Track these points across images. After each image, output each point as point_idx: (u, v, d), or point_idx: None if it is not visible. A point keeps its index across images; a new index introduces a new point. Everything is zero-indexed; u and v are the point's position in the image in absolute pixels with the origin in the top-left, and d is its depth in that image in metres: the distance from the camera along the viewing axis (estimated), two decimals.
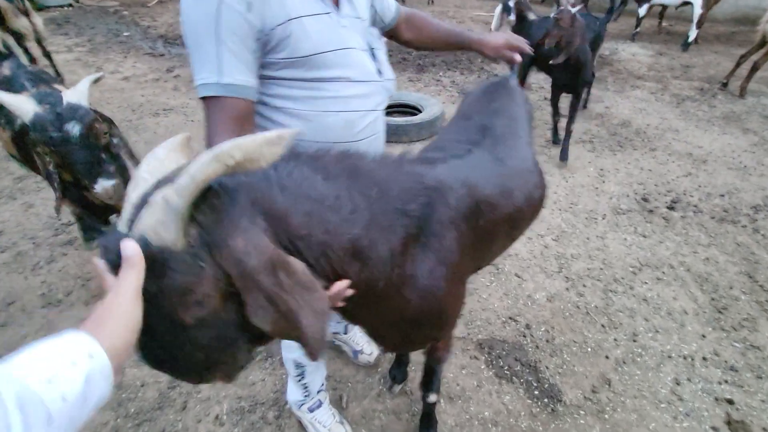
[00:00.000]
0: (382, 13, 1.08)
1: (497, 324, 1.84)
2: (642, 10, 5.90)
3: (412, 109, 3.75)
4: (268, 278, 0.50)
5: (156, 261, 0.46)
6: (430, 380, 1.24)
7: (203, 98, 0.78)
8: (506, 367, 1.67)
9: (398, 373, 1.58)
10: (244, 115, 0.79)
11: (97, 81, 1.36)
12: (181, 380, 0.66)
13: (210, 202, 0.51)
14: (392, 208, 0.73)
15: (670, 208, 2.60)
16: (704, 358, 1.70)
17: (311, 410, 1.39)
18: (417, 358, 1.66)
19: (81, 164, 1.16)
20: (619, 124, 3.70)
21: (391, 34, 1.15)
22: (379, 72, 0.98)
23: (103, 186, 1.18)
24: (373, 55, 0.98)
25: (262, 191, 0.55)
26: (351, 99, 0.92)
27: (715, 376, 1.63)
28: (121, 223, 0.51)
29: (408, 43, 1.19)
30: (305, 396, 1.36)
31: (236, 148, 0.47)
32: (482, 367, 1.67)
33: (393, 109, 3.81)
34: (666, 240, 2.34)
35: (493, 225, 0.98)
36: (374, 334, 0.96)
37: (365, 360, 1.64)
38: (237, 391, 1.58)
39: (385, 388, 1.59)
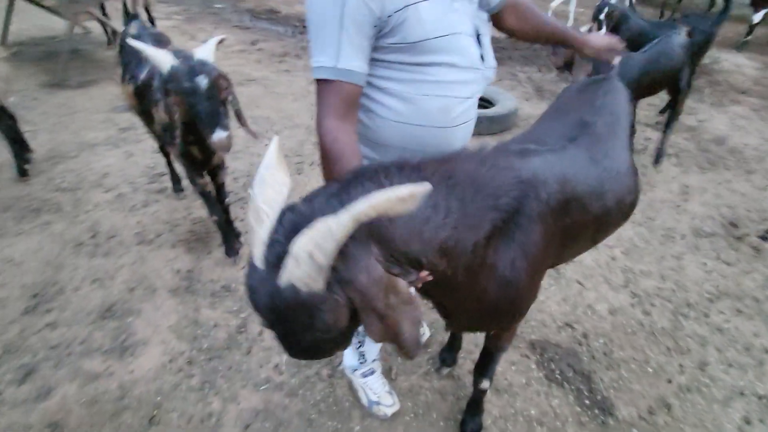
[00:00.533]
0: None
1: (552, 327, 1.81)
2: (757, 17, 5.27)
3: (484, 102, 3.68)
4: (382, 302, 0.59)
5: (306, 305, 0.55)
6: (486, 366, 1.27)
7: (318, 81, 0.83)
8: (558, 371, 1.65)
9: (448, 356, 1.62)
10: (353, 99, 0.84)
11: (221, 42, 1.52)
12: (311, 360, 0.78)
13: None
14: (484, 205, 0.77)
15: (763, 238, 2.37)
16: None
17: (364, 376, 1.47)
18: (468, 347, 1.69)
19: (205, 114, 1.32)
20: (711, 140, 3.39)
21: (493, 19, 1.12)
22: (482, 59, 0.98)
23: (219, 136, 1.33)
24: (479, 41, 0.98)
25: (375, 223, 0.61)
26: (452, 84, 0.93)
27: None
28: (257, 259, 0.58)
29: (510, 31, 1.14)
30: (360, 363, 1.45)
31: (372, 208, 0.52)
32: (533, 366, 1.67)
33: None
34: (753, 271, 2.15)
35: (580, 224, 0.98)
36: (445, 314, 1.00)
37: (425, 336, 1.72)
38: None
39: (433, 368, 1.64)
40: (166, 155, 2.43)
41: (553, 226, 0.89)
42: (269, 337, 1.74)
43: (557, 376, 1.63)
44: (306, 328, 0.58)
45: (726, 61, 5.16)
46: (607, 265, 2.14)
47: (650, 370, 1.66)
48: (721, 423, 1.49)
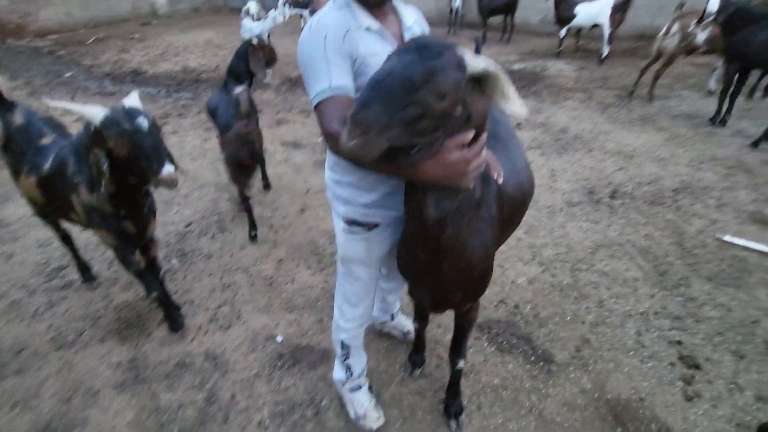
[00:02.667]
0: None
1: (491, 308, 2.13)
2: (562, 32, 6.77)
3: None
4: (479, 123, 0.84)
5: (458, 66, 0.73)
6: (460, 345, 1.45)
7: (318, 105, 0.98)
8: (505, 342, 1.95)
9: (417, 358, 1.80)
10: (348, 107, 0.96)
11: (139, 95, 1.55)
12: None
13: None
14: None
15: (612, 197, 3.09)
16: (656, 313, 2.09)
17: (352, 391, 1.58)
18: (429, 345, 1.90)
19: (151, 150, 1.31)
20: (559, 130, 4.26)
21: None
22: None
23: (168, 170, 1.31)
24: None
25: None
26: None
27: (665, 325, 2.02)
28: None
29: None
30: (348, 377, 1.56)
31: (503, 76, 0.78)
32: (485, 345, 1.94)
33: None
34: (612, 224, 2.79)
35: (510, 210, 1.23)
36: (442, 289, 1.18)
37: (411, 338, 1.90)
38: (273, 398, 1.72)
39: (407, 374, 1.81)
40: (69, 244, 2.21)
41: (499, 209, 1.14)
42: (243, 397, 1.71)
43: (505, 345, 1.93)
44: (440, 74, 0.70)
45: (552, 67, 6.48)
46: (516, 246, 2.57)
47: (568, 318, 2.07)
48: (624, 341, 1.94)
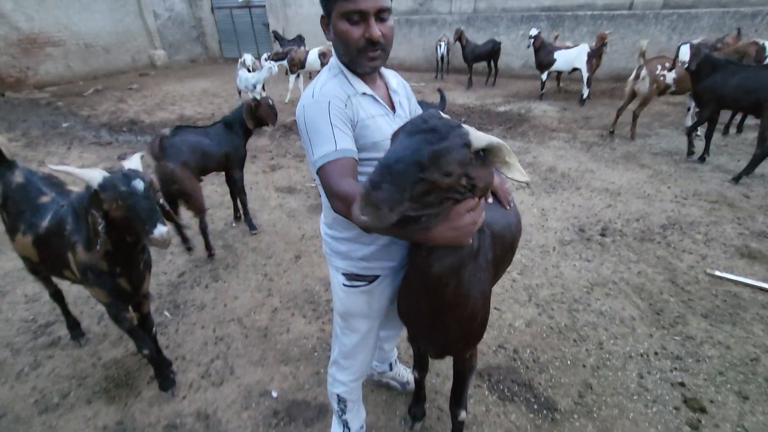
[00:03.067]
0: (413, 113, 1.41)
1: (489, 354, 2.10)
2: (544, 76, 7.16)
3: None
4: (481, 193, 0.87)
5: (462, 142, 0.78)
6: (460, 394, 1.44)
7: (323, 167, 1.01)
8: (506, 390, 1.91)
9: (417, 410, 1.75)
10: (353, 169, 1.03)
11: (142, 157, 1.59)
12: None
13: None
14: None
15: (602, 234, 3.14)
16: (656, 353, 2.07)
17: None
18: (429, 395, 1.85)
19: (144, 211, 1.32)
20: (547, 170, 4.39)
21: None
22: None
23: (160, 231, 1.32)
24: None
25: None
26: None
27: (666, 366, 2.00)
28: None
29: None
30: None
31: (505, 147, 0.83)
32: (486, 393, 1.90)
33: None
34: (605, 261, 2.82)
35: (503, 250, 1.30)
36: (444, 337, 1.21)
37: (411, 388, 1.86)
38: None
39: (407, 427, 1.74)
40: (60, 300, 2.16)
41: (494, 251, 1.20)
42: None
43: (507, 393, 1.88)
44: (446, 155, 0.75)
45: (536, 108, 6.79)
46: (512, 288, 2.57)
47: (569, 362, 2.04)
48: (626, 384, 1.90)
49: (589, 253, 2.93)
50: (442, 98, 2.34)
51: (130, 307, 1.72)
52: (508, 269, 2.71)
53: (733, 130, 5.28)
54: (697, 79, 4.08)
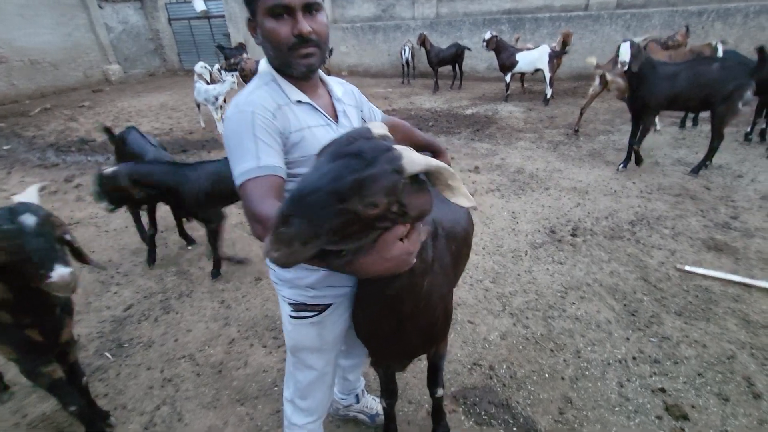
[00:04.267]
0: (369, 120, 1.29)
1: (464, 373, 1.96)
2: (507, 78, 7.22)
3: None
4: (413, 220, 0.76)
5: (398, 167, 0.66)
6: (436, 376, 1.44)
7: (244, 184, 0.87)
8: (483, 413, 1.77)
9: None
10: (278, 188, 0.90)
11: (42, 189, 1.34)
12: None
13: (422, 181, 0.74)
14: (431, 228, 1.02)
15: (573, 235, 3.09)
16: (634, 358, 2.00)
17: None
18: (402, 427, 1.69)
19: (36, 252, 1.11)
20: (515, 171, 4.35)
21: None
22: None
23: (60, 273, 1.11)
24: None
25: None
26: None
27: (645, 371, 1.92)
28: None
29: None
30: None
31: (446, 170, 0.72)
32: (462, 418, 1.76)
33: None
34: (578, 263, 2.76)
35: (457, 246, 1.27)
36: (409, 346, 1.15)
37: (380, 420, 1.72)
38: None
39: None
40: None
41: (448, 251, 1.16)
42: None
43: (484, 417, 1.75)
44: (371, 184, 0.62)
45: (502, 110, 6.81)
46: (485, 298, 2.46)
47: (546, 375, 1.93)
48: (607, 395, 1.81)
49: (561, 255, 2.86)
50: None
51: (52, 359, 1.48)
52: (480, 278, 2.60)
53: (689, 123, 5.44)
54: (638, 81, 3.74)
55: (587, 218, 3.32)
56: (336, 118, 1.11)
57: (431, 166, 0.70)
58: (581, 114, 5.38)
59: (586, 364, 1.98)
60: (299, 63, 0.96)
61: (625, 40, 3.63)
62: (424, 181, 0.73)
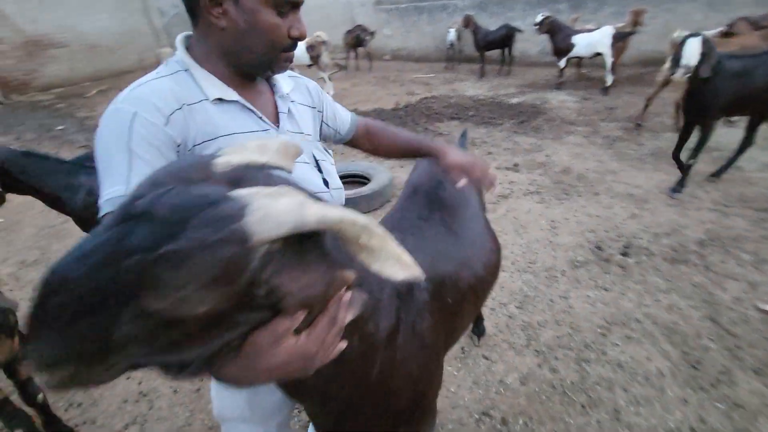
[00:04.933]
0: (336, 127, 1.07)
1: (470, 425, 1.64)
2: (562, 63, 6.49)
3: (361, 179, 3.73)
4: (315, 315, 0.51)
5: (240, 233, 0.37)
6: None
7: (105, 216, 0.64)
8: None
9: None
10: None
11: None
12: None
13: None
14: (391, 291, 0.74)
15: (624, 254, 2.60)
16: (692, 429, 1.57)
17: None
18: None
19: None
20: (561, 171, 3.83)
21: (350, 144, 1.16)
22: (326, 183, 0.92)
23: None
24: (319, 168, 0.92)
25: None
26: None
27: None
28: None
29: (369, 152, 1.18)
30: None
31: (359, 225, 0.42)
32: None
33: (342, 180, 3.77)
34: (627, 291, 2.30)
35: (459, 296, 0.97)
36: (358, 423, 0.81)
37: None
38: None
39: None
40: None
41: (438, 310, 0.87)
42: None
43: None
44: (176, 269, 0.34)
45: (552, 99, 6.15)
46: (507, 327, 2.10)
47: None
48: None
49: (606, 279, 2.41)
50: (464, 136, 1.87)
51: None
52: (504, 301, 2.24)
53: None
54: (706, 86, 2.86)
55: (644, 234, 2.80)
56: (277, 121, 0.84)
57: (326, 221, 0.40)
58: (646, 105, 4.66)
59: (626, 430, 1.58)
60: (282, 67, 0.81)
61: (691, 35, 2.78)
62: (319, 242, 0.44)
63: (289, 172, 0.55)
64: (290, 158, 0.57)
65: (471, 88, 7.26)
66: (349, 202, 3.38)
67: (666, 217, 2.98)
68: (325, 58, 6.96)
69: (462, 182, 1.11)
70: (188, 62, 0.75)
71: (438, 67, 9.25)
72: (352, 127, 1.10)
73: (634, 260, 2.54)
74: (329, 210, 0.41)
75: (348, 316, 0.53)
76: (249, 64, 0.77)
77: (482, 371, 1.86)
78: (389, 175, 3.56)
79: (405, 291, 0.78)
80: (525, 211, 3.18)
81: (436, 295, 0.88)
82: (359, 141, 1.14)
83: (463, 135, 1.93)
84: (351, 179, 3.76)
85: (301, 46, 6.98)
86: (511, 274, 2.49)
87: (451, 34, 8.53)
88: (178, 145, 0.70)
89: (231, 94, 0.76)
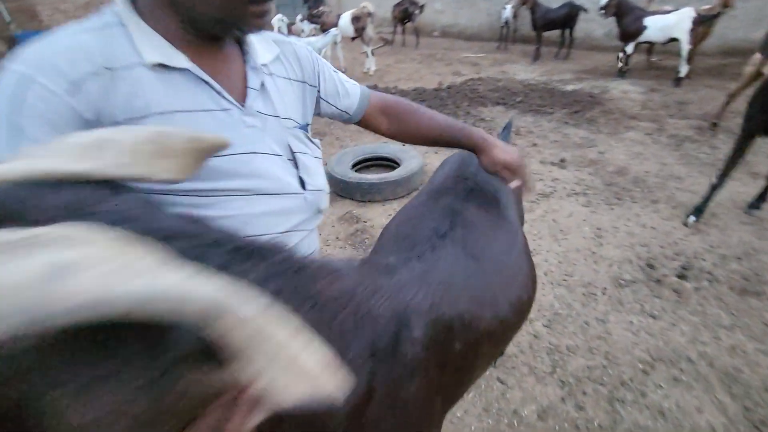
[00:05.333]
0: (340, 105, 0.87)
1: None
2: (629, 48, 5.80)
3: (390, 162, 3.51)
4: None
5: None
6: None
7: None
8: None
9: None
10: None
11: None
12: None
13: None
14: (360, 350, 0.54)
15: (681, 276, 2.24)
16: None
17: None
18: None
19: None
20: (614, 171, 3.40)
21: (365, 125, 0.95)
22: (302, 182, 0.73)
23: None
24: (295, 163, 0.73)
25: None
26: (258, 218, 0.66)
27: None
28: None
29: (388, 136, 0.96)
30: None
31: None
32: None
33: (370, 163, 3.58)
34: (680, 321, 1.96)
35: (471, 345, 0.75)
36: None
37: None
38: None
39: None
40: None
41: (437, 365, 0.66)
42: None
43: None
44: None
45: (614, 89, 5.54)
46: (530, 348, 1.85)
47: None
48: None
49: (656, 304, 2.07)
50: (508, 127, 1.60)
51: None
52: (531, 317, 1.98)
53: None
54: None
55: (708, 255, 2.40)
56: (244, 98, 0.65)
57: (131, 305, 0.22)
58: (727, 102, 4.03)
59: None
60: (254, 25, 0.61)
61: None
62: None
63: (174, 182, 0.35)
64: (188, 158, 0.37)
65: (522, 71, 6.71)
66: (374, 188, 3.16)
67: (738, 237, 2.54)
68: (369, 31, 6.65)
69: (514, 183, 0.94)
70: (125, 15, 0.57)
71: (489, 47, 8.66)
72: (363, 103, 0.89)
73: (693, 285, 2.18)
74: (155, 279, 0.21)
75: (252, 420, 0.34)
76: (205, 18, 0.58)
77: (495, 397, 1.64)
78: (420, 161, 3.31)
79: (384, 346, 0.57)
80: (566, 215, 2.83)
81: (435, 346, 0.65)
82: (373, 121, 0.93)
83: (507, 126, 1.63)
84: (378, 162, 3.55)
85: (346, 17, 6.70)
86: (543, 286, 2.21)
87: (507, 11, 7.90)
88: (90, 122, 0.53)
89: (178, 60, 0.58)
